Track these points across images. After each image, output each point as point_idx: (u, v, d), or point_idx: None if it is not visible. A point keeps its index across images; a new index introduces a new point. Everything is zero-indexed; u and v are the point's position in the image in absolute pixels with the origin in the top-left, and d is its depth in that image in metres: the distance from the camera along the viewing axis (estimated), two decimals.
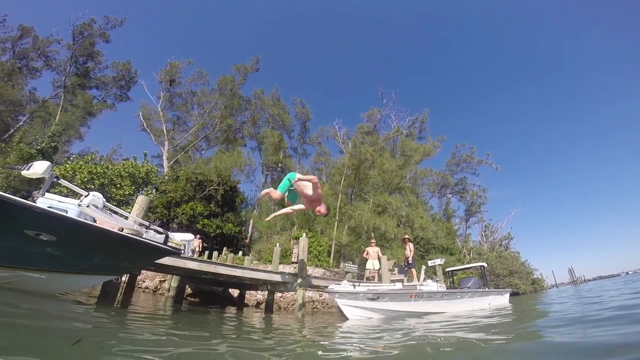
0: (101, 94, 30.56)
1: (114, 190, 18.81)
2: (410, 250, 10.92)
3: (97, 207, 3.66)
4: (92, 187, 17.85)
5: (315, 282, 9.44)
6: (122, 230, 4.15)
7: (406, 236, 11.78)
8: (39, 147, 19.61)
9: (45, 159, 19.40)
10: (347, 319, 6.90)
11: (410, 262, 10.87)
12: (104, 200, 3.77)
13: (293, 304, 10.76)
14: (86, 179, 17.92)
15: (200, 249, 16.44)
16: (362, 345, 3.44)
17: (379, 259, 11.50)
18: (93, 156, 21.98)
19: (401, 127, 32.45)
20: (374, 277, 11.55)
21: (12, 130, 23.35)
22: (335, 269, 17.66)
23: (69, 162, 19.71)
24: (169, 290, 13.36)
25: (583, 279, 60.17)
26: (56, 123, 22.95)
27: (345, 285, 7.25)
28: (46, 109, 25.92)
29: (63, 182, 3.51)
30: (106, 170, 19.34)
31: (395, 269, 13.04)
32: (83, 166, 18.86)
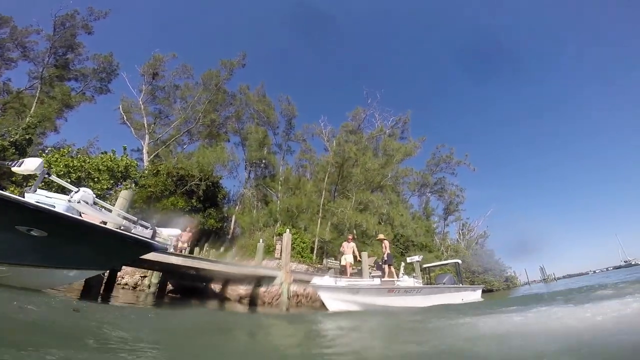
0: (80, 86, 29.53)
1: (92, 184, 18.29)
2: (385, 248, 11.29)
3: (88, 203, 3.75)
4: (69, 180, 17.36)
5: (298, 277, 9.68)
6: (109, 225, 4.25)
7: (380, 237, 12.13)
8: (12, 139, 18.82)
9: (18, 151, 18.68)
10: (328, 310, 7.19)
11: (386, 259, 11.22)
12: (95, 196, 3.86)
13: (278, 298, 10.96)
14: (62, 172, 17.38)
15: (190, 244, 13.81)
16: (344, 338, 3.72)
17: (355, 255, 11.71)
18: (69, 149, 21.28)
19: (384, 127, 33.02)
20: (344, 271, 11.57)
21: None
22: (318, 265, 17.95)
23: (44, 154, 19.05)
24: (149, 286, 13.27)
25: (553, 277, 63.01)
26: (31, 115, 22.08)
27: (327, 280, 7.54)
28: (20, 100, 24.75)
29: (54, 178, 3.59)
30: (83, 163, 18.80)
31: (374, 265, 13.43)
32: (59, 159, 18.27)
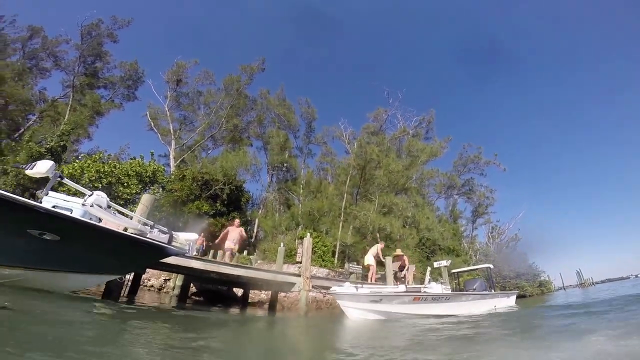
0: (109, 93, 30.90)
1: (121, 188, 18.99)
2: (402, 262, 10.89)
3: (101, 207, 3.68)
4: (100, 185, 18.05)
5: (318, 282, 9.41)
6: (126, 230, 4.17)
7: (398, 252, 11.71)
8: (48, 146, 19.86)
9: (54, 157, 19.65)
10: (349, 320, 6.87)
11: (406, 271, 10.85)
12: (108, 199, 3.78)
13: (297, 304, 10.76)
14: (94, 177, 18.12)
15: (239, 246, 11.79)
16: (363, 347, 3.42)
17: (378, 257, 11.33)
18: (101, 155, 22.20)
19: (407, 127, 32.21)
20: (367, 275, 11.28)
21: (22, 130, 23.72)
22: (340, 270, 17.62)
23: (77, 160, 19.95)
24: (173, 289, 13.44)
25: (591, 281, 59.23)
26: (65, 122, 23.24)
27: (347, 287, 7.22)
28: (55, 108, 26.23)
29: (67, 181, 3.54)
30: (114, 169, 19.53)
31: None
32: (91, 165, 19.08)
